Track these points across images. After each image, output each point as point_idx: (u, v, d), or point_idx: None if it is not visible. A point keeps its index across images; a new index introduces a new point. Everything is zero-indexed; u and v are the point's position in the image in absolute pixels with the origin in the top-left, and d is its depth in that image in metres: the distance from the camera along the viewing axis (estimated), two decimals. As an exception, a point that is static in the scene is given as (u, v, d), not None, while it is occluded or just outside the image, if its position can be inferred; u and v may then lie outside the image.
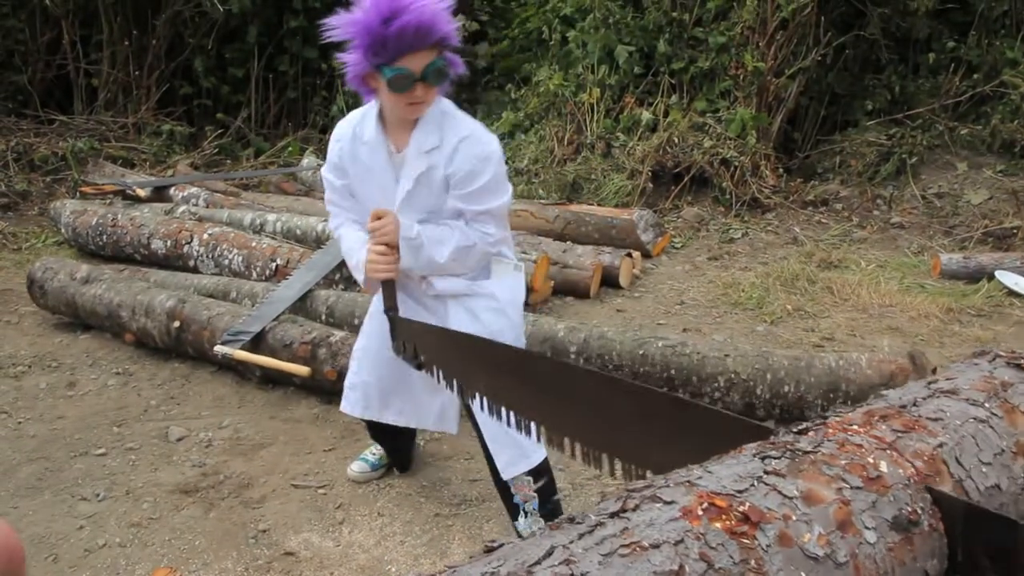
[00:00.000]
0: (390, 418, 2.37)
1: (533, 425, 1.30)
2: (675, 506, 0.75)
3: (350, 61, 1.92)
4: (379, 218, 1.98)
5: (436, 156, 2.00)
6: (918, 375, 2.89)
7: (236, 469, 2.68)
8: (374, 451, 2.65)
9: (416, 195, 2.03)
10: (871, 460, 0.86)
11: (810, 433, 0.92)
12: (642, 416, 1.13)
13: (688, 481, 0.80)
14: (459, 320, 2.11)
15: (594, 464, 1.20)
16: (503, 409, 1.36)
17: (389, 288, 2.01)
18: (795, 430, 0.93)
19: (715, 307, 4.34)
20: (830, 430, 0.92)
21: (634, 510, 0.75)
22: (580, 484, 2.61)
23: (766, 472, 0.82)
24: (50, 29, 7.02)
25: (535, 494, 2.13)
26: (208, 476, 2.64)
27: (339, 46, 1.95)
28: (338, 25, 1.88)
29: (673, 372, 3.04)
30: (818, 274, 4.72)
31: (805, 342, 3.81)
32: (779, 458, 0.84)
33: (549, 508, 2.16)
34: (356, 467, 2.62)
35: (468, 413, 2.17)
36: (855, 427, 0.93)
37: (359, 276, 2.10)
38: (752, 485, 0.79)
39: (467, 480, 2.62)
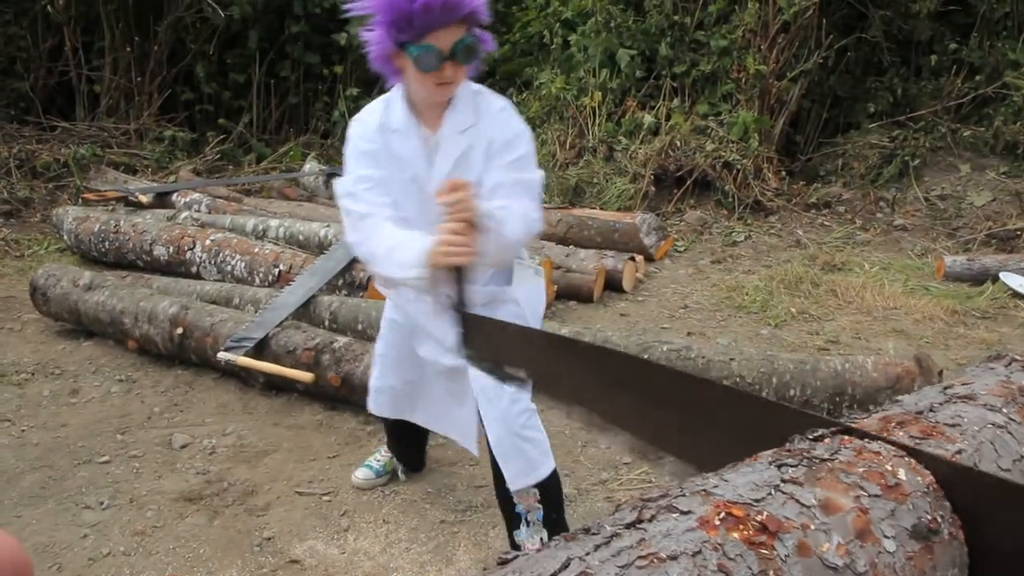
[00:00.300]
0: (419, 420, 2.33)
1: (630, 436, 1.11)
2: (692, 516, 0.74)
3: (373, 39, 1.77)
4: (456, 189, 1.68)
5: (473, 134, 1.88)
6: (924, 378, 2.88)
7: (240, 476, 2.67)
8: (378, 457, 2.64)
9: (454, 178, 1.84)
10: (889, 467, 0.84)
11: (826, 440, 0.90)
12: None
13: (704, 490, 0.79)
14: None
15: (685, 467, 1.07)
16: (613, 428, 1.13)
17: (458, 279, 1.69)
18: (810, 437, 0.91)
19: (719, 310, 4.32)
20: (846, 437, 0.91)
21: (650, 520, 0.74)
22: (586, 489, 2.60)
23: (783, 480, 0.80)
24: (52, 36, 7.03)
25: (539, 505, 2.08)
26: (212, 484, 2.62)
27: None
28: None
29: (678, 376, 3.02)
30: (822, 277, 4.71)
31: (810, 345, 3.80)
32: (796, 466, 0.83)
33: (554, 519, 2.10)
34: (360, 474, 2.61)
35: (479, 422, 2.12)
36: (872, 433, 0.91)
37: (411, 273, 1.74)
38: (769, 494, 0.78)
39: (472, 486, 2.61)
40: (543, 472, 2.05)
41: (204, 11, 7.23)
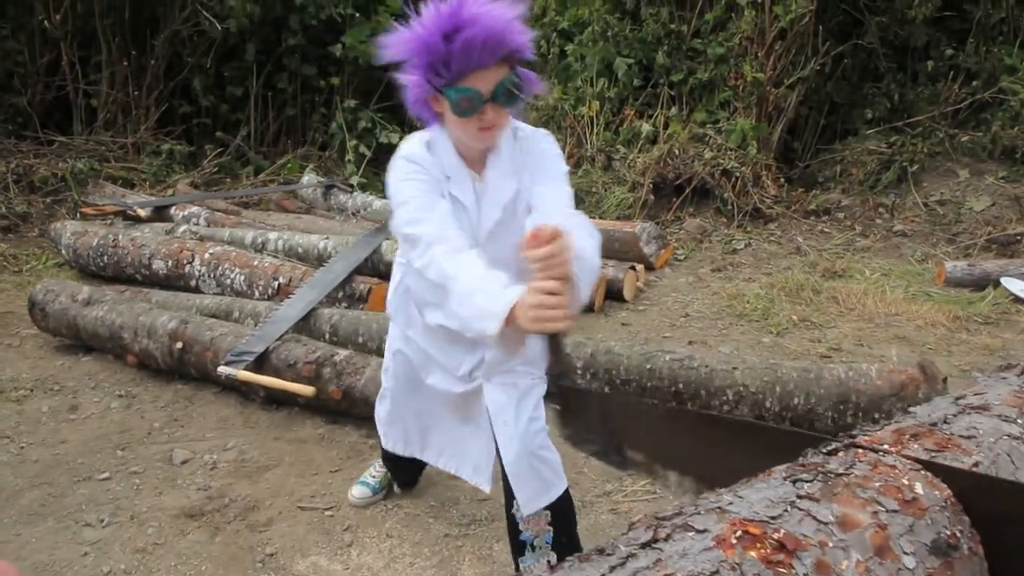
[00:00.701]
0: (430, 458, 2.26)
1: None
2: (708, 535, 0.72)
3: (410, 83, 1.67)
4: (550, 239, 1.43)
5: (520, 176, 1.80)
6: (929, 385, 2.86)
7: (242, 492, 2.64)
8: (373, 474, 2.61)
9: (502, 227, 1.80)
10: (905, 481, 0.83)
11: (840, 454, 0.89)
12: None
13: (719, 508, 0.77)
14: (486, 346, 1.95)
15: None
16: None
17: (556, 345, 1.42)
18: (824, 451, 0.90)
19: (720, 319, 4.31)
20: (860, 450, 0.89)
21: (666, 540, 0.72)
22: (590, 502, 2.58)
23: (799, 496, 0.79)
24: (49, 51, 7.03)
25: (549, 527, 2.00)
26: (213, 499, 2.60)
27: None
28: (395, 42, 1.63)
29: (681, 386, 3.01)
30: (823, 284, 4.70)
31: (812, 353, 3.79)
32: (811, 481, 0.82)
33: (564, 543, 2.02)
34: (357, 492, 2.58)
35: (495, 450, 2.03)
36: (886, 446, 0.90)
37: (484, 325, 1.51)
38: (785, 511, 0.77)
39: (476, 499, 2.58)
40: (555, 493, 1.97)
41: (201, 24, 7.24)
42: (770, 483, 0.82)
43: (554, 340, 1.42)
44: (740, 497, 0.79)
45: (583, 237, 1.58)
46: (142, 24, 7.29)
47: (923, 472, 0.85)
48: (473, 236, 1.78)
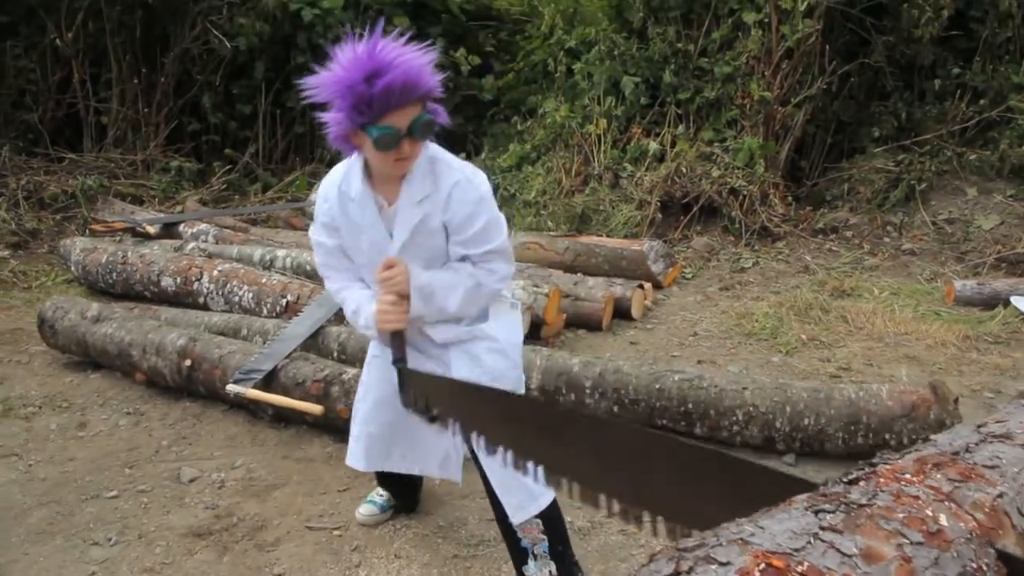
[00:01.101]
0: (393, 466, 2.33)
1: (564, 482, 1.23)
2: (731, 568, 0.71)
3: (332, 120, 1.85)
4: (390, 267, 1.93)
5: (429, 204, 1.96)
6: (940, 406, 2.85)
7: (249, 511, 2.64)
8: (380, 492, 2.61)
9: (412, 246, 1.99)
10: (930, 513, 0.82)
11: (861, 483, 0.88)
12: (678, 471, 1.08)
13: (741, 539, 0.76)
14: (461, 365, 2.07)
15: (632, 521, 1.15)
16: (529, 464, 1.30)
17: (398, 339, 1.96)
18: (845, 480, 0.89)
19: (729, 338, 4.30)
20: (882, 479, 0.88)
21: (689, 572, 0.71)
22: (600, 522, 2.56)
23: (822, 528, 0.78)
24: (60, 68, 7.09)
25: (544, 536, 2.08)
26: (221, 518, 2.59)
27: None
28: (318, 85, 1.81)
29: (690, 406, 3.00)
30: (831, 303, 4.68)
31: (821, 372, 3.77)
32: (833, 512, 0.80)
33: (560, 551, 2.10)
34: (364, 510, 2.58)
35: (473, 458, 2.10)
36: (908, 476, 0.89)
37: (370, 332, 2.07)
38: (809, 543, 0.75)
39: (484, 519, 2.57)
40: (544, 501, 2.06)
41: (211, 42, 7.30)
42: (791, 513, 0.81)
43: (397, 335, 1.96)
44: (761, 528, 0.78)
45: (451, 283, 1.98)
46: (152, 42, 7.35)
47: (947, 503, 0.84)
48: (380, 255, 2.01)
